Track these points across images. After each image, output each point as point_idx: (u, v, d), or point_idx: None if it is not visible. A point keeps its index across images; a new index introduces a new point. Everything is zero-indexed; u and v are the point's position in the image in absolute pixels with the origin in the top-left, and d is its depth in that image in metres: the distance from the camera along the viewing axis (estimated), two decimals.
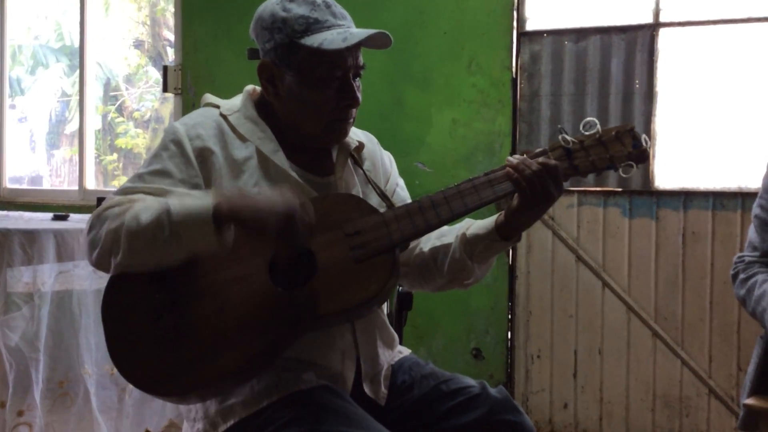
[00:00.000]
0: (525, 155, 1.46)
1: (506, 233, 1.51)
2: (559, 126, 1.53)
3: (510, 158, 1.44)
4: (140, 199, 1.43)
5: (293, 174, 1.53)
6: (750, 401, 2.01)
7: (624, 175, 1.46)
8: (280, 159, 1.53)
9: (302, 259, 1.43)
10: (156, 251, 1.38)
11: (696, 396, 3.30)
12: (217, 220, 1.34)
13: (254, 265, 1.42)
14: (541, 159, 1.43)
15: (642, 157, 1.44)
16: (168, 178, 1.48)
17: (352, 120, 1.57)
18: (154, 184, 1.47)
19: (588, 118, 1.46)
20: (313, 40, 1.46)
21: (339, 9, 1.52)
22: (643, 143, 1.43)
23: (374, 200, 1.59)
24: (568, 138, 1.44)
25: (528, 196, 1.43)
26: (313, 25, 1.48)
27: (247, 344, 1.39)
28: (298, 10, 1.49)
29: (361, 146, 1.66)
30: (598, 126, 1.45)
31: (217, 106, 1.60)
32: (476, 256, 1.55)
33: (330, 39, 1.46)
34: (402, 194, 1.73)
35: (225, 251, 1.37)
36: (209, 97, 1.64)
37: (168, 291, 1.43)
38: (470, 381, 1.60)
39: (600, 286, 3.44)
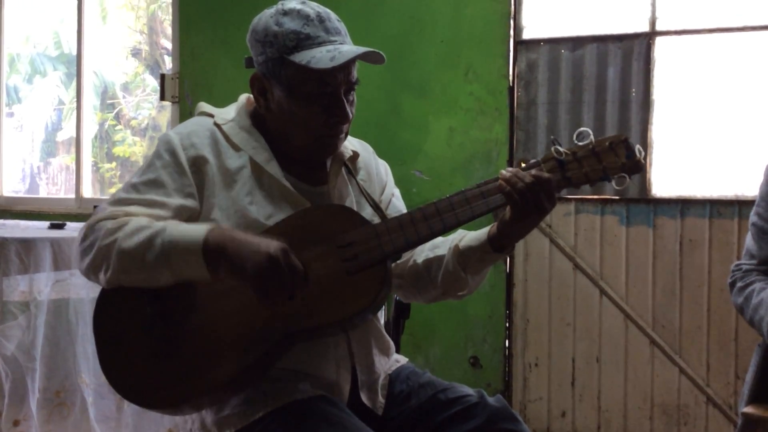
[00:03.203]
0: (519, 166, 1.45)
1: (499, 245, 1.51)
2: (552, 137, 1.52)
3: (503, 171, 1.43)
4: (134, 216, 1.43)
5: (287, 183, 1.53)
6: (748, 409, 2.01)
7: (617, 187, 1.44)
8: (273, 168, 1.53)
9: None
10: (145, 273, 1.39)
11: (694, 404, 3.30)
12: (206, 252, 1.35)
13: None
14: (533, 172, 1.42)
15: (636, 168, 1.42)
16: (161, 188, 1.48)
17: (343, 135, 1.56)
18: (147, 195, 1.47)
19: (581, 129, 1.45)
20: (302, 57, 1.45)
21: (333, 24, 1.50)
22: (637, 154, 1.42)
23: (367, 211, 1.59)
24: (561, 149, 1.43)
25: (520, 209, 1.42)
26: (304, 42, 1.46)
27: (240, 356, 1.39)
28: (291, 24, 1.47)
29: (355, 156, 1.66)
30: (592, 137, 1.43)
31: (212, 115, 1.60)
32: (470, 268, 1.55)
33: (318, 57, 1.44)
34: (398, 204, 1.72)
35: (216, 281, 1.38)
36: (204, 106, 1.63)
37: (160, 303, 1.43)
38: (468, 390, 1.59)
39: (597, 294, 3.44)
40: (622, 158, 1.42)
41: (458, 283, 1.57)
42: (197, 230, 1.37)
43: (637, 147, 1.42)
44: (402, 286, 1.67)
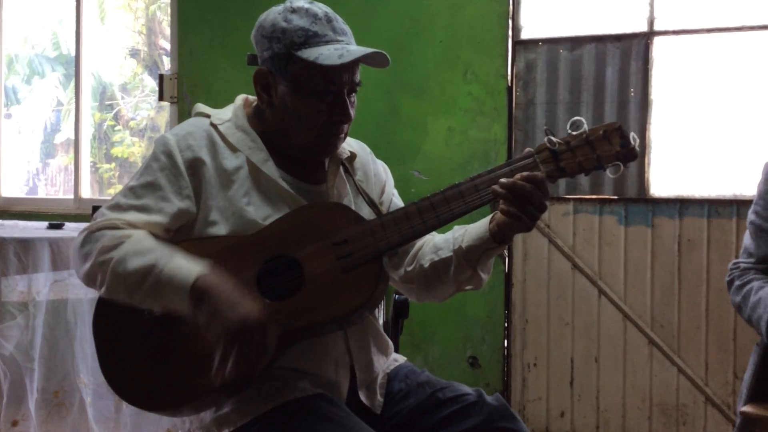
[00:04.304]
0: (509, 166, 1.45)
1: (500, 238, 1.51)
2: (546, 128, 1.51)
3: (495, 187, 1.41)
4: (132, 225, 1.44)
5: (283, 184, 1.53)
6: (746, 409, 2.01)
7: (612, 176, 1.43)
8: (270, 169, 1.53)
9: (290, 270, 1.43)
10: (135, 297, 1.40)
11: (692, 404, 3.30)
12: (193, 296, 1.34)
13: (242, 277, 1.41)
14: (526, 174, 1.41)
15: (630, 156, 1.41)
16: (158, 192, 1.48)
17: (343, 135, 1.57)
18: (144, 200, 1.48)
19: (575, 118, 1.43)
20: (310, 54, 1.46)
21: (340, 24, 1.52)
22: (632, 141, 1.41)
23: (365, 210, 1.59)
24: (554, 139, 1.43)
25: (518, 216, 1.42)
26: (312, 39, 1.48)
27: None
28: (299, 21, 1.49)
29: (353, 156, 1.66)
30: (585, 125, 1.42)
31: (208, 116, 1.60)
32: (478, 264, 1.55)
33: (326, 54, 1.46)
34: (398, 204, 1.72)
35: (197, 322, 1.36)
36: (200, 107, 1.64)
37: None
38: (467, 389, 1.60)
39: (596, 293, 3.44)
40: (616, 146, 1.41)
41: (472, 279, 1.58)
42: (188, 270, 1.35)
43: (632, 135, 1.41)
44: (414, 290, 1.67)
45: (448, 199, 1.45)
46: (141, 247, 1.40)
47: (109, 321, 1.48)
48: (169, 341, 1.42)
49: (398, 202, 1.73)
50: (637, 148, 1.42)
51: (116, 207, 1.49)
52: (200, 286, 1.34)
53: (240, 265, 1.43)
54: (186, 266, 1.37)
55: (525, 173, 1.41)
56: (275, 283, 1.43)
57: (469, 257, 1.54)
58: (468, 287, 1.61)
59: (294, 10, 1.50)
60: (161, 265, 1.36)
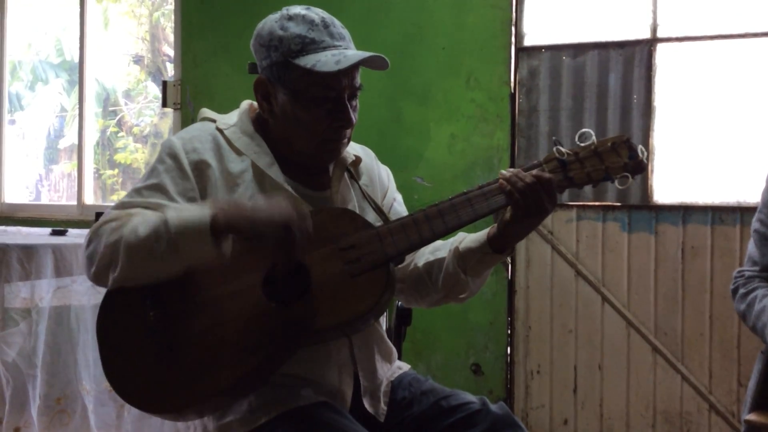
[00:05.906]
0: (519, 168, 1.46)
1: (499, 246, 1.51)
2: (554, 138, 1.52)
3: (503, 171, 1.44)
4: (137, 213, 1.44)
5: (288, 188, 1.53)
6: (751, 417, 2.00)
7: (620, 187, 1.45)
8: (275, 173, 1.53)
9: (297, 274, 1.43)
10: (154, 263, 1.38)
11: (696, 411, 3.29)
12: (214, 230, 1.35)
13: (249, 280, 1.42)
14: (534, 172, 1.43)
15: (638, 168, 1.42)
16: (164, 192, 1.49)
17: (346, 140, 1.57)
18: (150, 199, 1.48)
19: (584, 129, 1.45)
20: (307, 61, 1.46)
21: (338, 29, 1.51)
22: (640, 154, 1.42)
23: (371, 215, 1.59)
24: (563, 150, 1.43)
25: (521, 209, 1.42)
26: (309, 46, 1.47)
27: (242, 360, 1.39)
28: (296, 29, 1.48)
29: (357, 161, 1.66)
30: (594, 137, 1.43)
31: (214, 120, 1.61)
32: (470, 270, 1.55)
33: (324, 61, 1.45)
34: (399, 209, 1.72)
35: (223, 261, 1.38)
36: (206, 112, 1.64)
37: (162, 308, 1.43)
38: (470, 397, 1.59)
39: (599, 301, 3.43)
40: (624, 158, 1.42)
41: (459, 285, 1.57)
42: (200, 213, 1.37)
43: (640, 147, 1.43)
44: (403, 290, 1.66)
45: (455, 206, 1.45)
46: (146, 216, 1.41)
47: (113, 323, 1.47)
48: (173, 343, 1.41)
49: (399, 207, 1.73)
50: (645, 161, 1.43)
51: (121, 206, 1.49)
52: (221, 219, 1.35)
53: (247, 269, 1.43)
54: (195, 210, 1.38)
55: (534, 171, 1.43)
56: (282, 287, 1.43)
57: (462, 260, 1.54)
58: (459, 296, 1.60)
59: (290, 18, 1.50)
60: (171, 217, 1.37)
